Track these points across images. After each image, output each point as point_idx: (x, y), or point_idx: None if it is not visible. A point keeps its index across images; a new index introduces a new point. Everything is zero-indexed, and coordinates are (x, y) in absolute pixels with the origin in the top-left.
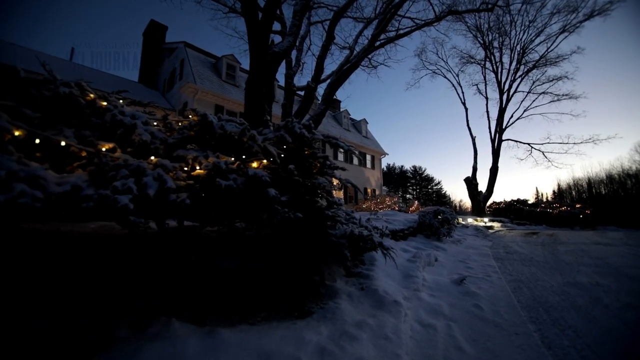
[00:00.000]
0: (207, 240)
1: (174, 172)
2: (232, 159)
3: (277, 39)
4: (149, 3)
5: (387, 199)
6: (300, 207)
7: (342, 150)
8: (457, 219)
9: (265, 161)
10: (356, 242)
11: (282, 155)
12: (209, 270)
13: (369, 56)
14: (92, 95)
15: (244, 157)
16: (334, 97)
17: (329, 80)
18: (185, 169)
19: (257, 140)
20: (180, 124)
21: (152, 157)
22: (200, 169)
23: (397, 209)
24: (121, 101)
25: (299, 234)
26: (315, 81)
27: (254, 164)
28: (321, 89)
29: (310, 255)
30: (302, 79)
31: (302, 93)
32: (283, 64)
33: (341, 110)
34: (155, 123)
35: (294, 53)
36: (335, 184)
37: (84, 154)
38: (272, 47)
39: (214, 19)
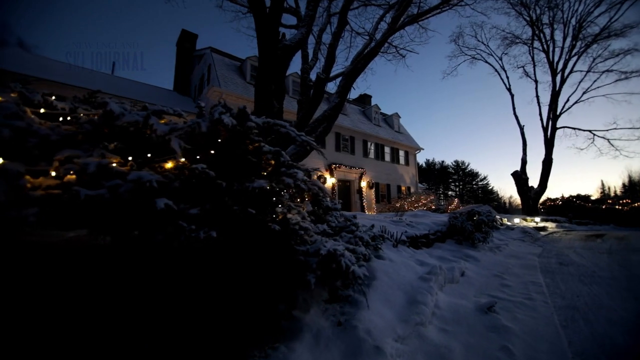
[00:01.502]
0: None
1: (19, 179)
2: (130, 158)
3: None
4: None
5: (423, 197)
6: (222, 221)
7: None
8: (501, 220)
9: (183, 160)
10: (327, 264)
11: (213, 152)
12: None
13: (394, 43)
14: None
15: (149, 155)
16: (353, 88)
17: (345, 71)
18: (54, 173)
19: (156, 131)
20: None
21: (0, 160)
22: (72, 174)
23: (433, 207)
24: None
25: (247, 253)
26: (326, 72)
27: (169, 164)
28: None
29: (271, 279)
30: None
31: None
32: (299, 58)
33: (371, 105)
34: (60, 119)
35: (311, 46)
36: (364, 186)
37: None
38: (282, 41)
39: (234, 19)
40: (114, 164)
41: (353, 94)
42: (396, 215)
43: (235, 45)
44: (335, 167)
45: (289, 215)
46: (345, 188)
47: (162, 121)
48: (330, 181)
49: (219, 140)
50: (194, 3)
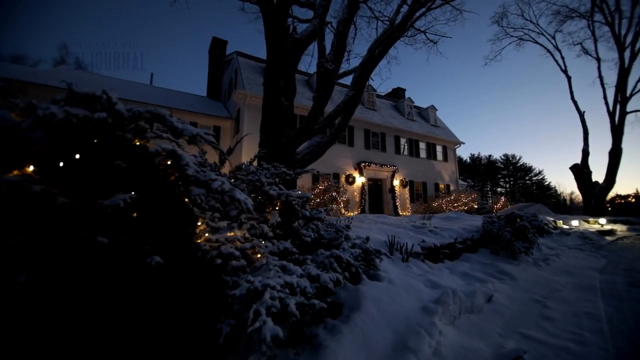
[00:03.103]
0: None
1: None
2: None
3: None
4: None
5: (463, 195)
6: (57, 257)
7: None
8: (554, 222)
9: (30, 168)
10: (249, 303)
11: (78, 157)
12: None
13: (422, 28)
14: None
15: None
16: (371, 79)
17: (361, 62)
18: None
19: None
20: None
21: None
22: None
23: (476, 206)
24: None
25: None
26: (335, 63)
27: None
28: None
29: (159, 331)
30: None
31: (342, 82)
32: (315, 52)
33: (404, 99)
34: None
35: (329, 38)
36: (397, 185)
37: None
38: (293, 34)
39: (256, 19)
40: None
41: (385, 88)
42: (423, 219)
43: (262, 47)
44: (364, 166)
45: (206, 238)
46: (376, 187)
47: None
48: (359, 180)
49: (78, 141)
50: (221, 8)
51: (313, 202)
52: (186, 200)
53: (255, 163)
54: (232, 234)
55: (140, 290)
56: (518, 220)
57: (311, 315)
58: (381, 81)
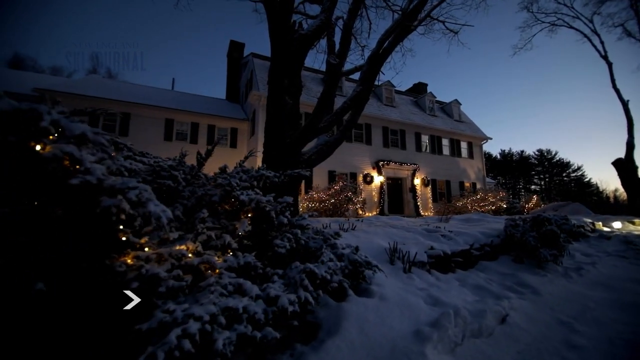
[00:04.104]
0: None
1: None
2: None
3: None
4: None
5: (491, 194)
6: None
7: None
8: (592, 224)
9: None
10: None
11: None
12: None
13: (440, 18)
14: None
15: None
16: (382, 73)
17: (369, 55)
18: None
19: None
20: None
21: None
22: None
23: (505, 206)
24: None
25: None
26: (340, 57)
27: None
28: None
29: None
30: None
31: (354, 77)
32: (324, 48)
33: (425, 94)
34: None
35: (338, 33)
36: (418, 184)
37: None
38: (299, 31)
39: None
40: None
41: (398, 81)
42: (439, 221)
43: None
44: (383, 164)
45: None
46: (396, 187)
47: None
48: (377, 180)
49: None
50: (239, 11)
51: (328, 203)
52: (113, 211)
53: (257, 164)
54: (182, 247)
55: (17, 326)
56: (545, 223)
57: (278, 340)
58: (394, 74)
